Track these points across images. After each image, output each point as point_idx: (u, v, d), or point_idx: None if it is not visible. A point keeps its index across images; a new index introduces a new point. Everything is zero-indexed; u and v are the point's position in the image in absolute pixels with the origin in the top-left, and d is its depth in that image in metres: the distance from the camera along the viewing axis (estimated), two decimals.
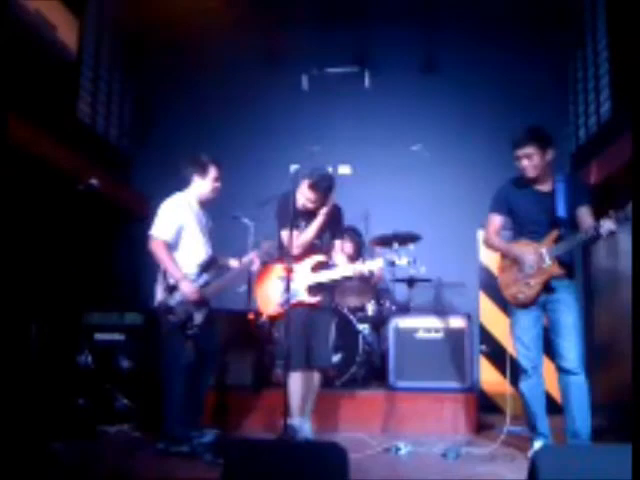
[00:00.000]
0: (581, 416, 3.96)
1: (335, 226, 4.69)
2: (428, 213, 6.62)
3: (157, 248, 4.37)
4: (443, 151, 6.79)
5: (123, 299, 6.56)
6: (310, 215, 4.54)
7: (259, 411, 5.16)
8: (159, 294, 4.39)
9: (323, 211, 4.52)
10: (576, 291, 4.23)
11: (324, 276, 4.56)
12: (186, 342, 4.30)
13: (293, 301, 4.33)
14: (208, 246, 4.57)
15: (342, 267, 4.59)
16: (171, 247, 4.40)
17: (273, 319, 4.84)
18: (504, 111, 6.92)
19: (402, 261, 4.51)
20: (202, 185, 4.56)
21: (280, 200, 4.59)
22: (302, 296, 4.48)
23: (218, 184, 4.57)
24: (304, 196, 4.49)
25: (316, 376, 4.57)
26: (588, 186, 4.94)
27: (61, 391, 5.13)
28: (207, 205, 4.64)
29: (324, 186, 4.43)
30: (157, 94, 7.42)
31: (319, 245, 4.61)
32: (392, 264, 4.67)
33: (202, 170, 4.52)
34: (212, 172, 4.53)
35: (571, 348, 4.02)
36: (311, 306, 4.51)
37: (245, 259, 4.63)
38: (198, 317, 4.30)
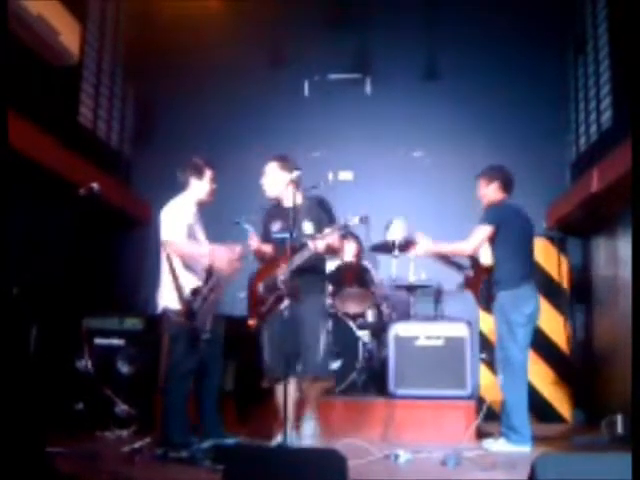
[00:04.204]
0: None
1: (319, 216, 4.64)
2: (429, 220, 6.60)
3: (175, 248, 4.37)
4: (444, 158, 6.79)
5: (123, 304, 6.56)
6: (282, 213, 4.57)
7: (256, 417, 5.14)
8: (168, 299, 4.37)
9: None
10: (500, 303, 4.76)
11: (293, 262, 4.34)
12: (196, 347, 4.29)
13: (274, 297, 4.38)
14: None
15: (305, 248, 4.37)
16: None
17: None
18: (505, 119, 6.94)
19: (354, 220, 4.39)
20: (200, 187, 4.60)
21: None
22: (279, 290, 4.39)
23: (214, 185, 4.63)
24: (271, 177, 4.61)
25: (310, 384, 4.44)
26: None
27: (60, 395, 5.13)
28: (204, 210, 4.68)
29: (284, 157, 4.54)
30: (159, 99, 7.43)
31: (288, 241, 4.38)
32: (345, 227, 4.50)
33: (198, 173, 4.58)
34: (208, 174, 4.60)
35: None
36: (291, 297, 4.30)
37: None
38: (209, 321, 4.28)
